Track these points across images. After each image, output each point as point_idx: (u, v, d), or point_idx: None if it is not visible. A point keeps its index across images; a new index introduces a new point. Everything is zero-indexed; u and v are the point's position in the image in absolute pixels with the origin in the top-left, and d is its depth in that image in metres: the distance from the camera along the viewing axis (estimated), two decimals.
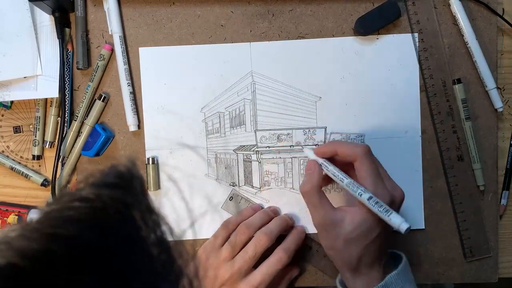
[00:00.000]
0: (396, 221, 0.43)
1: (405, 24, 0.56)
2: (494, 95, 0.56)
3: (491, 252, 0.57)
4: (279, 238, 0.53)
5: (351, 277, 0.48)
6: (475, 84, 0.56)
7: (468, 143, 0.56)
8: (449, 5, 0.56)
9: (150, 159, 0.56)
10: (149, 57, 0.56)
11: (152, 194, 0.57)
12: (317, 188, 0.48)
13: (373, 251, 0.47)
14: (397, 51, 0.56)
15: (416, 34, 0.56)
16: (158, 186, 0.57)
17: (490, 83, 0.55)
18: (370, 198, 0.45)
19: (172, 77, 0.56)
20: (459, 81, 0.56)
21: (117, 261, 0.22)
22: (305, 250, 0.57)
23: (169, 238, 0.25)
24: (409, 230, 0.43)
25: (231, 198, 0.56)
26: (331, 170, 0.49)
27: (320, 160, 0.49)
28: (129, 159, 0.26)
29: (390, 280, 0.47)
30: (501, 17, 0.56)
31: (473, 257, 0.57)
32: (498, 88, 0.56)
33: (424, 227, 0.57)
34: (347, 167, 0.49)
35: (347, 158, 0.48)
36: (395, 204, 0.47)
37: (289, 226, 0.55)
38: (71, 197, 0.23)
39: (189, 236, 0.57)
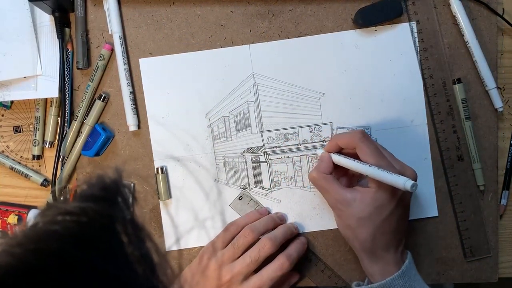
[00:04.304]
0: (401, 180, 0.43)
1: (404, 24, 0.56)
2: (494, 95, 0.56)
3: (491, 252, 0.57)
4: (281, 246, 0.53)
5: (368, 262, 0.50)
6: (475, 84, 0.56)
7: (468, 143, 0.56)
8: (449, 5, 0.56)
9: (159, 168, 0.56)
10: (149, 67, 0.56)
11: (163, 203, 0.57)
12: (324, 174, 0.50)
13: (387, 231, 0.48)
14: (396, 42, 0.56)
15: (413, 23, 0.56)
16: (168, 195, 0.56)
17: (490, 83, 0.55)
18: (377, 167, 0.46)
19: (174, 86, 0.56)
20: (459, 81, 0.56)
21: (101, 276, 0.22)
22: (305, 262, 0.57)
23: (154, 255, 0.25)
24: (416, 187, 0.43)
25: (240, 198, 0.57)
26: (340, 157, 0.51)
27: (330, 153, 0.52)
28: (116, 170, 0.26)
29: (406, 268, 0.48)
30: (501, 17, 0.56)
31: (473, 257, 0.57)
32: (498, 88, 0.56)
33: (437, 215, 0.57)
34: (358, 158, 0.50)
35: (349, 147, 0.50)
36: None
37: (293, 235, 0.55)
38: (57, 211, 0.23)
39: (202, 242, 0.57)
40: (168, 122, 0.57)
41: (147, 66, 0.56)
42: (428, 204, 0.57)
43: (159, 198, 0.56)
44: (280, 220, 0.56)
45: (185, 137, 0.57)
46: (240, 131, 0.57)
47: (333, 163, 0.51)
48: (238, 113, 0.57)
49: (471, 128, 0.56)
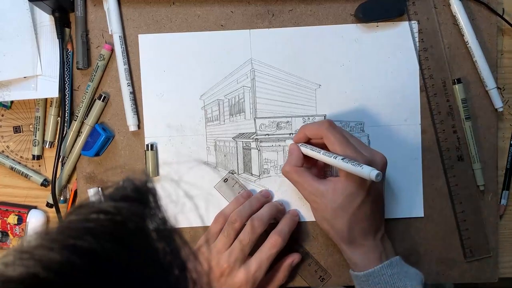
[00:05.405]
0: (366, 170, 0.44)
1: (405, 23, 0.56)
2: (494, 95, 0.56)
3: (491, 252, 0.57)
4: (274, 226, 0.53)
5: (349, 251, 0.50)
6: (475, 84, 0.56)
7: (468, 143, 0.56)
8: (449, 5, 0.56)
9: (149, 145, 0.56)
10: (148, 44, 0.56)
11: None
12: (296, 167, 0.51)
13: (362, 219, 0.49)
14: (397, 40, 0.56)
15: (414, 23, 0.56)
16: (156, 173, 0.56)
17: (490, 83, 0.55)
18: (342, 158, 0.46)
19: (171, 64, 0.56)
20: (459, 81, 0.56)
21: (134, 274, 0.22)
22: (302, 265, 0.57)
23: (183, 253, 0.25)
24: (380, 176, 0.43)
25: (225, 180, 0.57)
26: (307, 148, 0.51)
27: (298, 144, 0.53)
28: (144, 173, 0.27)
29: (396, 261, 0.49)
30: (501, 17, 0.56)
31: (473, 257, 0.57)
32: (498, 88, 0.56)
33: (423, 215, 0.57)
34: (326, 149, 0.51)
35: (316, 136, 0.51)
36: (376, 166, 0.46)
37: (279, 212, 0.55)
38: (90, 209, 0.23)
39: (184, 223, 0.57)
40: (163, 100, 0.56)
41: (146, 42, 0.56)
42: (414, 205, 0.57)
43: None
44: (265, 197, 0.56)
45: (178, 117, 0.57)
46: (234, 116, 0.57)
47: (303, 154, 0.52)
48: (233, 97, 0.57)
49: (471, 128, 0.56)
